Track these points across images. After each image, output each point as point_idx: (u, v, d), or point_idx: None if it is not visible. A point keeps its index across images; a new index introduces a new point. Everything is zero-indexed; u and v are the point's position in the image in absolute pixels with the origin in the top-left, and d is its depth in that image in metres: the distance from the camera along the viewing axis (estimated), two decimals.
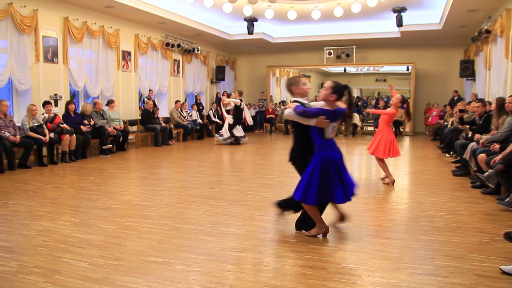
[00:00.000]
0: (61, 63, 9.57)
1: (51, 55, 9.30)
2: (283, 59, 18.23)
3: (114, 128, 10.01)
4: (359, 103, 17.30)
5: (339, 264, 3.31)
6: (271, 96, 18.21)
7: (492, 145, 5.89)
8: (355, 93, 17.77)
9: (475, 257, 3.41)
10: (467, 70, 13.47)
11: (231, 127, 12.16)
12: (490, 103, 8.04)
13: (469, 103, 9.66)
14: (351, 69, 18.40)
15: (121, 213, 4.81)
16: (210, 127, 14.78)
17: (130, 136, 11.14)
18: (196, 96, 15.38)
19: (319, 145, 3.78)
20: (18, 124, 8.04)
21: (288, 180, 6.86)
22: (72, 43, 9.83)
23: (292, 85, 4.08)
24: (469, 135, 7.56)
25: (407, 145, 12.54)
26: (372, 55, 16.75)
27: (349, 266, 3.26)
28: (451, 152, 9.24)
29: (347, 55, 16.46)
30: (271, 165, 8.71)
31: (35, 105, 8.28)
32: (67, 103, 9.20)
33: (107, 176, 7.19)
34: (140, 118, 12.02)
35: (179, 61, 14.32)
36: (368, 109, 15.05)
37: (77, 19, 9.94)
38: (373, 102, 17.45)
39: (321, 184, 3.68)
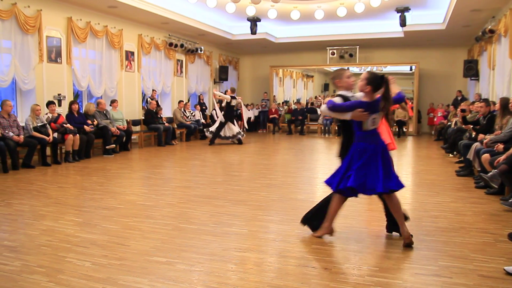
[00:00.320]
0: (65, 63, 9.60)
1: (54, 55, 9.34)
2: (286, 59, 18.23)
3: (118, 128, 10.02)
4: None
5: (342, 264, 3.30)
6: (274, 96, 18.20)
7: (496, 145, 5.87)
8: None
9: (479, 258, 3.40)
10: (471, 70, 13.42)
11: (220, 126, 12.03)
12: (494, 103, 8.01)
13: (473, 103, 9.63)
14: (354, 69, 18.30)
15: (124, 213, 4.82)
16: None
17: (133, 136, 11.16)
18: (199, 96, 15.39)
19: (357, 137, 3.70)
20: (22, 124, 8.07)
21: (291, 180, 6.86)
22: (76, 43, 9.86)
23: (335, 79, 3.95)
24: (473, 135, 7.53)
25: (411, 145, 12.51)
26: (376, 55, 16.72)
27: (352, 266, 3.26)
28: (455, 152, 9.21)
29: (350, 55, 16.44)
30: (274, 165, 8.71)
31: (38, 105, 8.30)
32: (71, 103, 9.22)
33: (110, 176, 7.20)
34: (143, 118, 12.04)
35: (182, 61, 14.34)
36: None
37: (81, 19, 9.97)
38: None
39: (356, 175, 3.57)
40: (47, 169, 7.85)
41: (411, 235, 3.66)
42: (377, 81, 3.61)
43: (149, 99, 12.31)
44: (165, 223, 4.38)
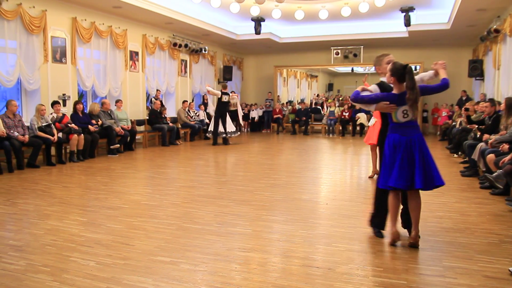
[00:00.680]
0: (69, 63, 9.63)
1: (59, 55, 9.37)
2: (290, 59, 18.22)
3: (122, 128, 10.05)
4: None
5: (346, 265, 3.29)
6: (278, 96, 18.20)
7: (501, 146, 5.84)
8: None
9: (484, 258, 3.38)
10: (476, 70, 13.36)
11: (216, 123, 11.94)
12: (499, 103, 7.97)
13: (478, 103, 9.59)
14: (358, 69, 18.34)
15: (128, 212, 4.83)
16: None
17: (138, 136, 11.19)
18: (203, 96, 15.41)
19: (390, 128, 3.65)
20: (27, 124, 8.11)
21: (295, 180, 6.85)
22: (80, 43, 9.89)
23: (375, 65, 3.84)
24: (478, 136, 7.50)
25: None
26: None
27: (356, 267, 3.25)
28: (460, 153, 9.18)
29: (355, 55, 16.42)
30: (278, 165, 8.70)
31: (43, 105, 8.34)
32: (75, 103, 9.25)
33: (114, 176, 7.22)
34: (147, 118, 12.07)
35: (186, 61, 14.36)
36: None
37: (85, 20, 10.00)
38: None
39: (392, 167, 3.51)
40: (51, 168, 7.89)
41: (419, 237, 3.65)
42: (399, 72, 3.51)
43: (153, 99, 12.34)
44: (169, 223, 4.39)
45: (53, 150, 8.40)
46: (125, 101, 11.34)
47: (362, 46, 16.12)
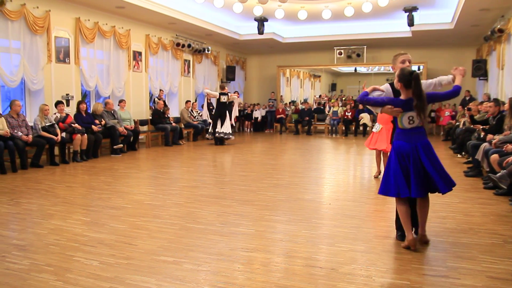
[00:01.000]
0: (73, 63, 9.66)
1: (63, 56, 9.40)
2: (293, 59, 18.21)
3: (125, 128, 10.07)
4: None
5: (349, 265, 3.29)
6: (281, 96, 18.19)
7: (505, 146, 5.82)
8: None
9: (487, 259, 3.37)
10: (480, 69, 13.32)
11: (214, 124, 11.95)
12: (503, 103, 7.94)
13: (481, 103, 9.56)
14: (361, 69, 18.33)
15: (131, 212, 4.84)
16: None
17: (141, 136, 11.21)
18: (206, 97, 15.37)
19: (396, 134, 3.65)
20: (30, 123, 8.14)
21: (298, 180, 6.85)
22: (84, 43, 9.91)
23: (392, 64, 3.83)
24: (482, 136, 7.48)
25: None
26: (383, 55, 16.62)
27: (359, 267, 3.25)
28: (463, 153, 9.15)
29: (358, 55, 16.39)
30: (281, 165, 8.70)
31: (47, 105, 8.36)
32: (79, 103, 9.28)
33: (118, 176, 7.24)
34: (150, 118, 12.08)
35: (189, 61, 14.37)
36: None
37: (89, 20, 10.03)
38: None
39: (396, 175, 3.50)
40: (55, 168, 7.91)
41: (429, 240, 3.69)
42: (406, 78, 3.48)
43: (156, 99, 12.35)
44: (172, 223, 4.39)
45: (56, 150, 8.44)
46: (128, 101, 11.35)
47: (365, 46, 16.09)
